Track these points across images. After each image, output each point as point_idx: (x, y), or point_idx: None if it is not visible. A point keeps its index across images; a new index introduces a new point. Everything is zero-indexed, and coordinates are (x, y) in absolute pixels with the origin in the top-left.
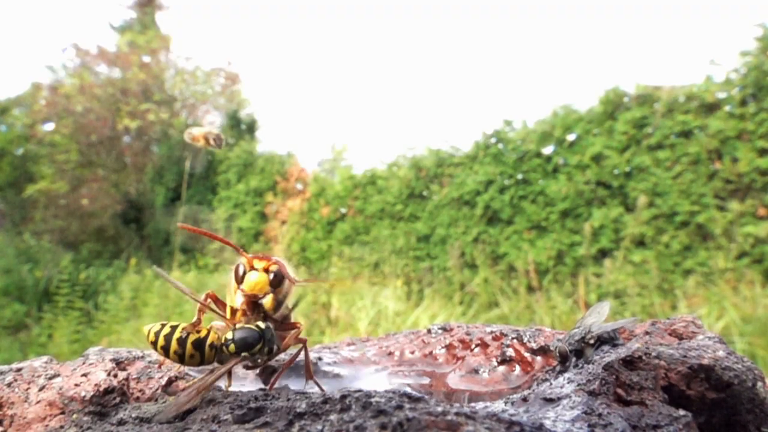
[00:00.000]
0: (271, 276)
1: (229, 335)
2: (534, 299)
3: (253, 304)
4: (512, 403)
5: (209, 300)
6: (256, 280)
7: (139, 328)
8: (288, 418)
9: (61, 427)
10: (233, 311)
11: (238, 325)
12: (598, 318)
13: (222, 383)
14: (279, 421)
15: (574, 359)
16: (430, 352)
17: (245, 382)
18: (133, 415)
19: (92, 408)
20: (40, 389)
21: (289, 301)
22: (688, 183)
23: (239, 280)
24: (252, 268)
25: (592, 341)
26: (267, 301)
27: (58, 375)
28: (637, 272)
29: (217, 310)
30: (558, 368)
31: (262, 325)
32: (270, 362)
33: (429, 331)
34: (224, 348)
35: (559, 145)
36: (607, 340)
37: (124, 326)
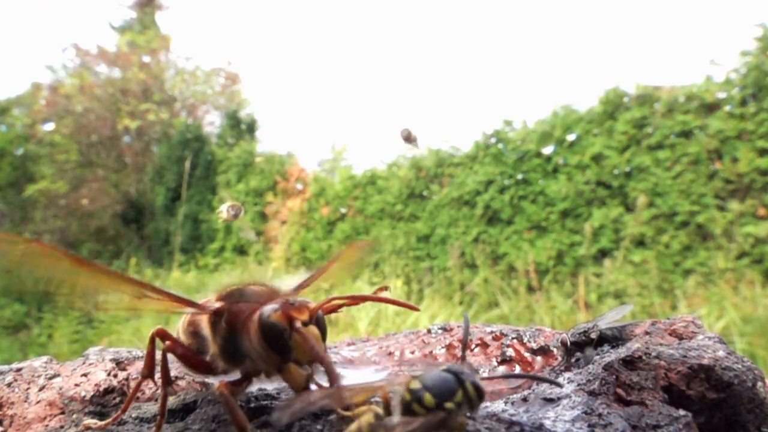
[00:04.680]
0: (319, 323)
1: (416, 384)
2: (534, 299)
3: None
4: (512, 403)
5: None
6: (316, 339)
7: (139, 328)
8: None
9: (61, 427)
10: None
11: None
12: (615, 317)
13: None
14: None
15: (577, 353)
16: (430, 352)
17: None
18: (133, 415)
19: (92, 408)
20: (40, 389)
21: None
22: (688, 183)
23: (279, 347)
24: (293, 324)
25: (593, 335)
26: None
27: (58, 375)
28: (637, 272)
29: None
30: (558, 368)
31: (452, 367)
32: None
33: (429, 331)
34: (415, 402)
35: (559, 145)
36: (611, 338)
37: (124, 326)
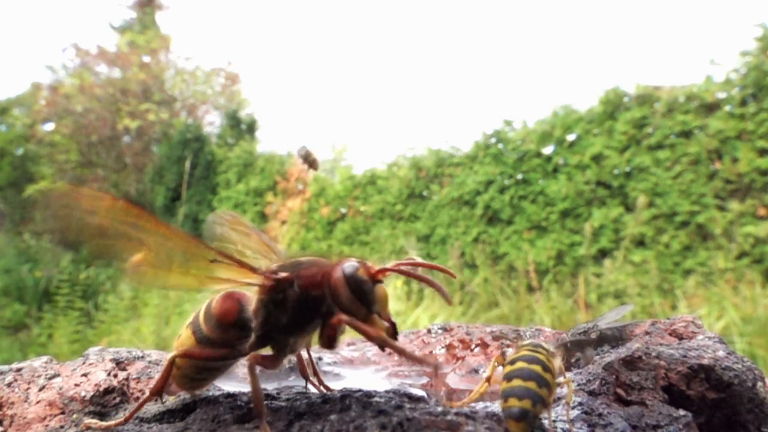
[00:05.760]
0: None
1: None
2: (534, 299)
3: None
4: None
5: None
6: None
7: (139, 328)
8: (288, 418)
9: (61, 427)
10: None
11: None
12: (615, 317)
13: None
14: (279, 421)
15: (577, 353)
16: (430, 352)
17: (245, 382)
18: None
19: (92, 408)
20: (40, 389)
21: None
22: (688, 183)
23: (366, 299)
24: (375, 277)
25: (593, 335)
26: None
27: (58, 375)
28: (637, 272)
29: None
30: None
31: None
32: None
33: (429, 331)
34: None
35: (559, 145)
36: (611, 338)
37: (124, 326)
